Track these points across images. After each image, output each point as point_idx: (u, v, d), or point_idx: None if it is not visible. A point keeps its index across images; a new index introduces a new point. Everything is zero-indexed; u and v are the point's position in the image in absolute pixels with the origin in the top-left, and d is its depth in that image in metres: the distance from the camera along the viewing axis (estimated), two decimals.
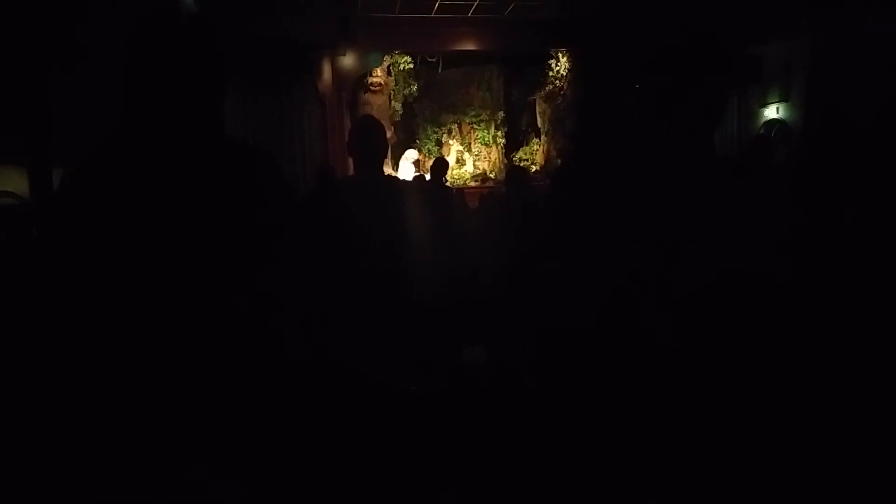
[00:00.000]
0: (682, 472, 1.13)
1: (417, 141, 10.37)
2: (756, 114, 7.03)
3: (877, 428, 1.44)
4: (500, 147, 10.54)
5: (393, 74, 9.24)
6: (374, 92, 8.70)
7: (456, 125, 10.52)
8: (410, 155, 9.26)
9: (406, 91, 9.69)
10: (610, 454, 1.19)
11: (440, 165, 5.69)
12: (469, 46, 8.63)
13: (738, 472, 1.11)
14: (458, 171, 10.10)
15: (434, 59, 9.58)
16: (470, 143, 10.55)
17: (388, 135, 5.54)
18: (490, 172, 10.26)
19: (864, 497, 1.31)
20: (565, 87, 9.29)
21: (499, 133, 10.54)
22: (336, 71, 8.06)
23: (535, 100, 10.24)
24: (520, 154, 10.50)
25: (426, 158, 9.82)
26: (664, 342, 1.13)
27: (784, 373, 1.14)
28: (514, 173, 4.53)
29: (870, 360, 1.55)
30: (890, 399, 1.49)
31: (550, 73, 9.50)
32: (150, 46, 1.07)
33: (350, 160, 2.34)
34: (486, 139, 10.51)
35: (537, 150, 10.30)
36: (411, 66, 9.43)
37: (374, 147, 2.23)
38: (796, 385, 1.18)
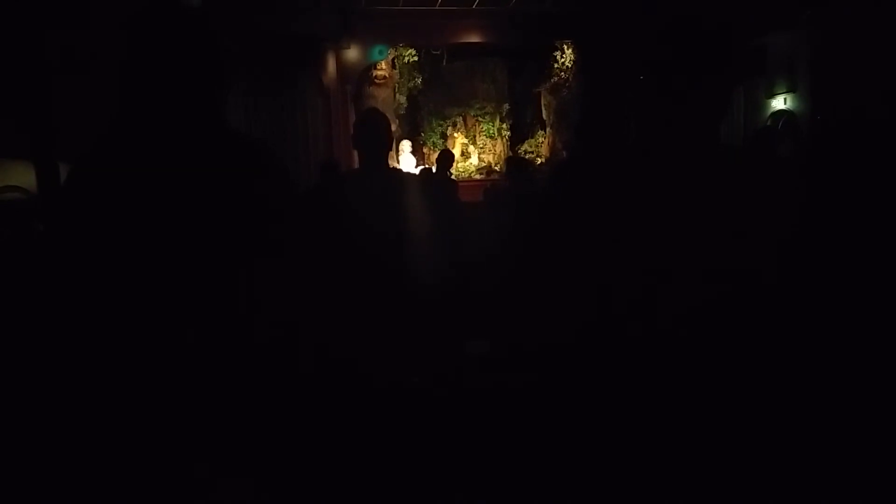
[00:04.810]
0: (683, 470, 1.13)
1: (422, 134, 10.34)
2: (763, 104, 6.98)
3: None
4: (505, 139, 10.50)
5: (397, 67, 9.21)
6: (378, 85, 8.67)
7: (461, 118, 10.46)
8: (405, 146, 9.23)
9: (411, 84, 9.66)
10: (612, 452, 1.19)
11: (445, 158, 5.68)
12: (474, 39, 8.60)
13: (741, 474, 1.11)
14: (463, 163, 10.05)
15: (438, 52, 9.54)
16: (475, 136, 10.50)
17: (393, 128, 5.54)
18: (495, 165, 10.21)
19: (865, 497, 1.31)
20: (570, 80, 9.25)
21: (504, 125, 10.49)
22: (340, 64, 8.05)
23: (540, 92, 10.18)
24: (525, 146, 10.47)
25: (431, 151, 9.80)
26: (666, 336, 1.13)
27: (786, 372, 1.14)
28: (513, 163, 4.53)
29: (880, 360, 1.53)
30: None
31: (555, 66, 9.44)
32: (150, 39, 1.08)
33: (355, 153, 2.34)
34: (491, 132, 10.46)
35: (542, 142, 10.25)
36: (416, 58, 9.39)
37: (379, 140, 2.24)
38: (801, 381, 1.18)
